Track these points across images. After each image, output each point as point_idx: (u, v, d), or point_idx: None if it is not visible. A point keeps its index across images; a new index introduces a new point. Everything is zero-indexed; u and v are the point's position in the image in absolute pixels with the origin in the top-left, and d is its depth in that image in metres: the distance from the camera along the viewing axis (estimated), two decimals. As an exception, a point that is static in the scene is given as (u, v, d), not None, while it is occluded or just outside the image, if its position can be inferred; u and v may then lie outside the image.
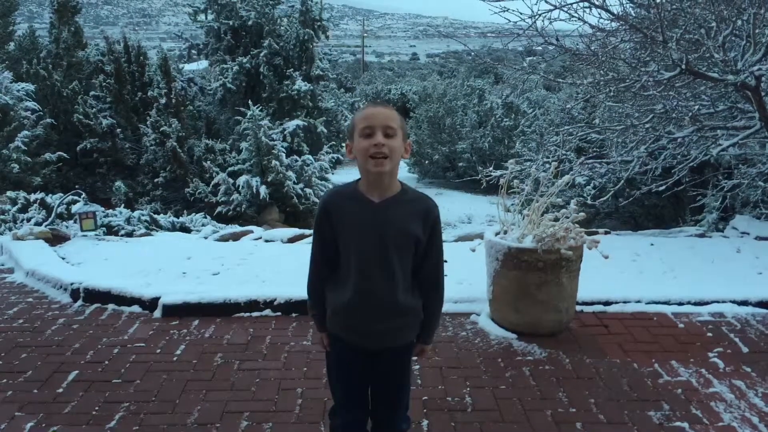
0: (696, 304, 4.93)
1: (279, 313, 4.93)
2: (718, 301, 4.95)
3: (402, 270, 2.35)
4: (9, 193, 11.08)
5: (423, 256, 2.39)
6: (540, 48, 8.48)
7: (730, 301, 4.95)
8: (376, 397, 2.57)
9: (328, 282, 2.46)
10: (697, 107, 6.63)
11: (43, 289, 5.66)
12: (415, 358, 2.63)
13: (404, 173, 23.65)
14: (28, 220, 9.67)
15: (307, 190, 15.80)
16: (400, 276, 2.34)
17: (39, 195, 10.80)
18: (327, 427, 2.85)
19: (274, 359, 4.19)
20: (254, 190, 15.03)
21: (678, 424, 3.36)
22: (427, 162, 22.47)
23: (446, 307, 4.88)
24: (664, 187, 7.14)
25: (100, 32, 24.03)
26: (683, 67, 5.73)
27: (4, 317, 5.00)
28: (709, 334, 4.48)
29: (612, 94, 7.00)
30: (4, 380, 3.92)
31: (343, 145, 24.03)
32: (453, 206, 17.01)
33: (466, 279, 5.28)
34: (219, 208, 15.23)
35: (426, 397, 3.64)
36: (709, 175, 8.55)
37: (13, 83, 17.17)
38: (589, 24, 7.04)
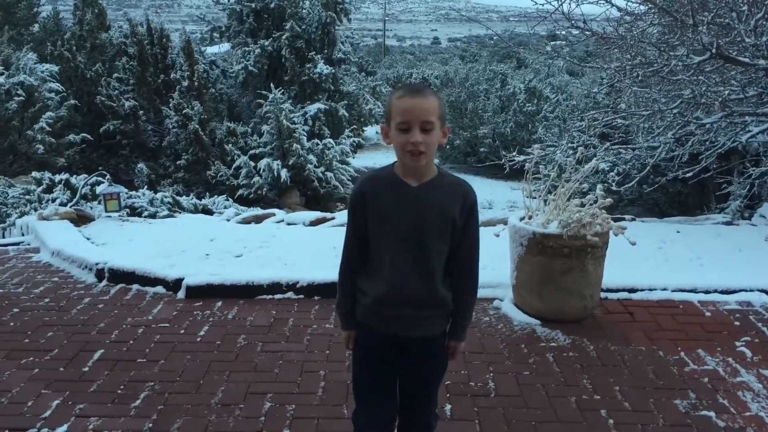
0: (723, 292, 4.86)
1: (302, 296, 4.94)
2: (745, 290, 4.87)
3: (438, 256, 2.29)
4: (34, 174, 11.20)
5: (458, 242, 2.31)
6: (564, 33, 8.38)
7: (758, 290, 4.86)
8: (405, 393, 2.49)
9: (360, 272, 2.39)
10: (727, 92, 6.50)
11: (69, 269, 5.72)
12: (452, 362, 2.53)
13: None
14: (53, 200, 9.77)
15: (328, 174, 15.81)
16: (436, 262, 2.28)
17: (63, 176, 10.90)
18: (350, 409, 2.83)
19: (296, 341, 4.20)
20: (275, 174, 15.06)
21: (704, 413, 3.32)
22: (448, 147, 22.30)
23: (469, 292, 4.88)
24: (690, 174, 7.03)
25: (123, 14, 24.16)
26: (713, 51, 5.62)
27: (30, 296, 5.07)
28: (737, 323, 4.42)
29: (639, 78, 6.89)
30: (31, 358, 3.97)
31: (364, 129, 24.06)
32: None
33: (489, 264, 5.22)
34: (240, 191, 15.32)
35: (449, 382, 3.62)
36: (735, 162, 8.41)
37: (37, 64, 17.32)
38: (617, 7, 6.95)
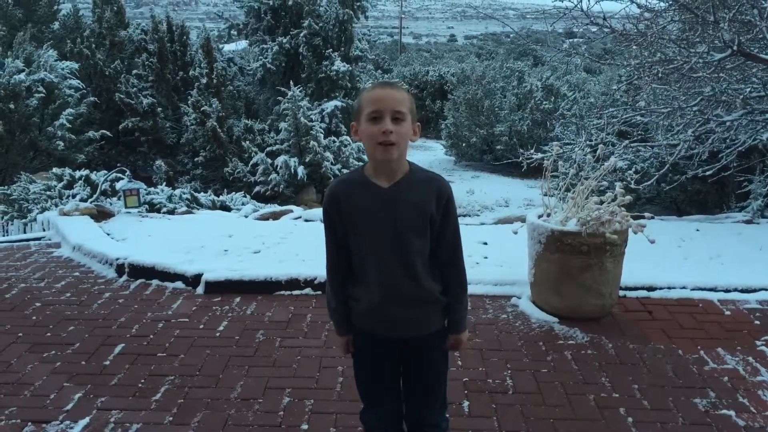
0: (743, 291, 4.82)
1: (319, 292, 4.95)
2: (766, 289, 4.82)
3: (420, 254, 2.25)
4: (54, 170, 11.33)
5: (438, 236, 2.28)
6: (582, 30, 8.34)
7: (779, 289, 4.83)
8: (409, 392, 2.48)
9: (349, 278, 2.36)
10: (747, 90, 6.45)
11: (89, 264, 5.79)
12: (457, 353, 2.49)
13: (441, 155, 23.53)
14: (74, 196, 9.87)
15: (345, 171, 15.83)
16: (419, 260, 2.25)
17: (84, 172, 11.01)
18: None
19: (314, 337, 4.22)
20: (292, 171, 15.11)
21: (724, 412, 3.30)
22: (464, 144, 22.22)
23: (486, 290, 4.89)
24: (710, 173, 6.98)
25: (146, 11, 24.32)
26: (734, 48, 5.57)
27: (51, 290, 5.13)
28: (757, 322, 4.39)
29: (659, 76, 6.84)
30: (53, 352, 4.03)
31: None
32: (490, 189, 16.85)
33: (506, 261, 5.24)
34: (257, 188, 15.38)
35: (467, 379, 3.63)
36: (756, 160, 8.34)
37: (57, 62, 17.50)
38: (637, 4, 6.90)
